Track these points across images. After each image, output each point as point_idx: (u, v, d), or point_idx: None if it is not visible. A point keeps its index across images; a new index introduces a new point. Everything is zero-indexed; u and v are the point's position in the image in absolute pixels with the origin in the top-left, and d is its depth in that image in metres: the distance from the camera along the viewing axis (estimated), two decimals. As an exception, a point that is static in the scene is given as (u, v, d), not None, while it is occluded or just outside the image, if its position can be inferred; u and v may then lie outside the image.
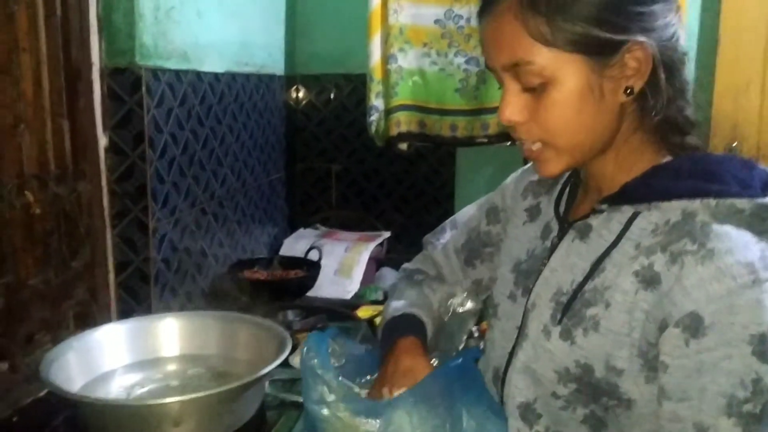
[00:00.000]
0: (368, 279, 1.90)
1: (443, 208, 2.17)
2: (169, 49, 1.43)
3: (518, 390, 0.85)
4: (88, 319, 1.30)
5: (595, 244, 0.81)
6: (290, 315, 1.53)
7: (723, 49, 1.93)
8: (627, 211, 0.79)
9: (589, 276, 0.80)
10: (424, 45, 1.91)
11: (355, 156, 2.23)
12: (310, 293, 1.77)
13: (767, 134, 1.94)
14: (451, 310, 1.07)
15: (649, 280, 0.74)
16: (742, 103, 1.94)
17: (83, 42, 1.27)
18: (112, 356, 1.12)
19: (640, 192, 0.78)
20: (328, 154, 2.25)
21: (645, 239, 0.77)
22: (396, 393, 0.90)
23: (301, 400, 1.14)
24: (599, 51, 0.73)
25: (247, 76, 1.84)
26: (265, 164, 2.01)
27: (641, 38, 0.73)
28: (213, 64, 1.63)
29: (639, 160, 0.81)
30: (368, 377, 0.99)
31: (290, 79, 2.20)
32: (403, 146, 1.97)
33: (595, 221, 0.82)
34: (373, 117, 1.93)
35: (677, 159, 0.80)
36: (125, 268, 1.37)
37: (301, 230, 2.13)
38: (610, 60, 0.73)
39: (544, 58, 0.74)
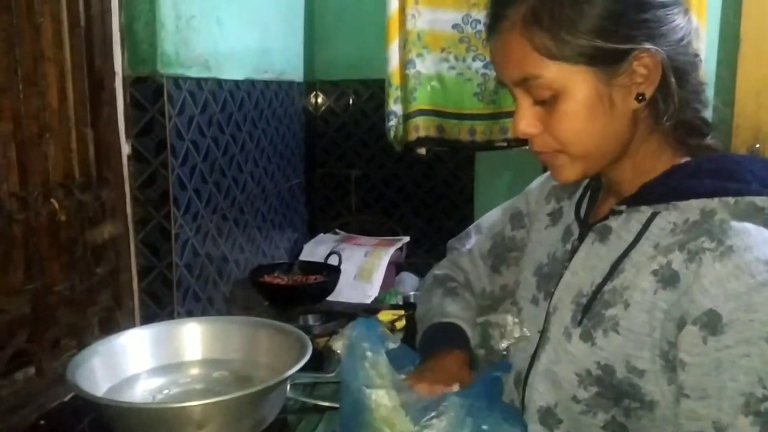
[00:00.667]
0: (388, 284, 1.91)
1: (462, 212, 2.18)
2: (190, 57, 1.45)
3: (539, 394, 0.85)
4: (112, 324, 1.32)
5: (615, 245, 0.81)
6: (310, 320, 1.54)
7: (744, 50, 1.91)
8: (646, 211, 0.79)
9: (609, 277, 0.80)
10: (442, 50, 1.92)
11: (375, 161, 2.24)
12: (330, 298, 1.78)
13: (791, 135, 1.92)
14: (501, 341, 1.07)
15: (667, 279, 0.74)
16: (764, 104, 1.92)
17: (106, 52, 1.29)
18: (136, 360, 1.14)
19: (658, 192, 0.79)
20: (348, 159, 2.27)
21: (664, 239, 0.77)
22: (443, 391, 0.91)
23: (322, 403, 1.16)
24: (606, 61, 0.74)
25: (267, 83, 1.86)
26: (284, 170, 2.02)
27: (648, 45, 0.73)
28: (233, 71, 1.65)
29: (657, 163, 0.81)
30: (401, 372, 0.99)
31: (309, 86, 2.22)
32: (422, 151, 1.98)
33: (614, 223, 0.82)
34: (392, 122, 1.94)
35: (696, 159, 0.80)
36: (148, 274, 1.39)
37: (321, 235, 2.14)
38: (618, 69, 0.74)
39: (552, 72, 0.75)
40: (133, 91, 1.34)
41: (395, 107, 1.94)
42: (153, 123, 1.35)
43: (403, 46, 1.90)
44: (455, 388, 0.88)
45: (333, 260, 1.88)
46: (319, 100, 2.26)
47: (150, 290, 1.40)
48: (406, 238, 2.10)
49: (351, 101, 2.24)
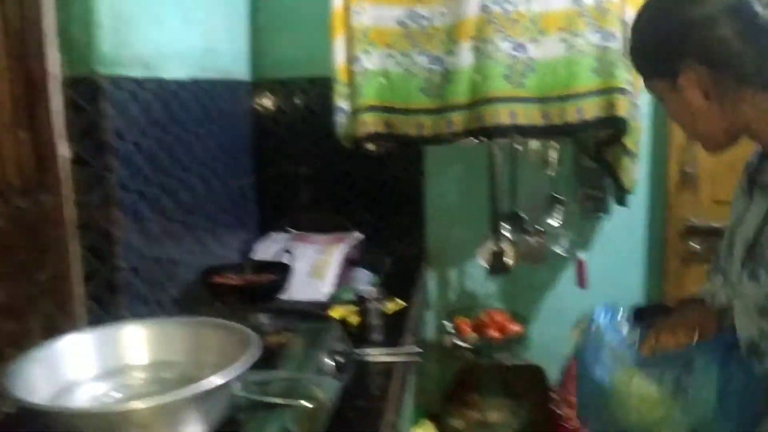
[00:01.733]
0: (343, 280, 1.91)
1: (414, 206, 2.19)
2: (129, 57, 1.42)
3: (743, 328, 0.95)
4: (56, 332, 1.28)
5: None
6: (261, 318, 1.53)
7: None
8: None
9: (765, 222, 0.91)
10: (388, 46, 1.93)
11: (324, 158, 2.24)
12: (285, 296, 1.77)
13: None
14: None
15: None
16: None
17: (41, 53, 1.27)
18: (78, 366, 1.11)
19: None
20: (297, 157, 2.26)
21: None
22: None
23: (274, 400, 1.15)
24: (666, 75, 0.99)
25: (212, 83, 1.84)
26: (233, 170, 2.01)
27: (688, 63, 0.95)
28: (176, 71, 1.63)
29: None
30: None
31: (256, 85, 2.21)
32: (371, 147, 1.98)
33: None
34: (340, 118, 1.94)
35: None
36: (93, 279, 1.37)
37: (273, 234, 2.13)
38: (678, 79, 0.97)
39: (652, 84, 1.05)
40: (70, 93, 1.31)
41: (343, 104, 1.94)
42: (93, 125, 1.33)
43: (349, 43, 1.91)
44: (695, 337, 1.00)
45: (285, 258, 1.87)
46: (267, 99, 2.25)
47: (95, 295, 1.37)
48: (358, 234, 2.10)
49: (299, 99, 2.24)
